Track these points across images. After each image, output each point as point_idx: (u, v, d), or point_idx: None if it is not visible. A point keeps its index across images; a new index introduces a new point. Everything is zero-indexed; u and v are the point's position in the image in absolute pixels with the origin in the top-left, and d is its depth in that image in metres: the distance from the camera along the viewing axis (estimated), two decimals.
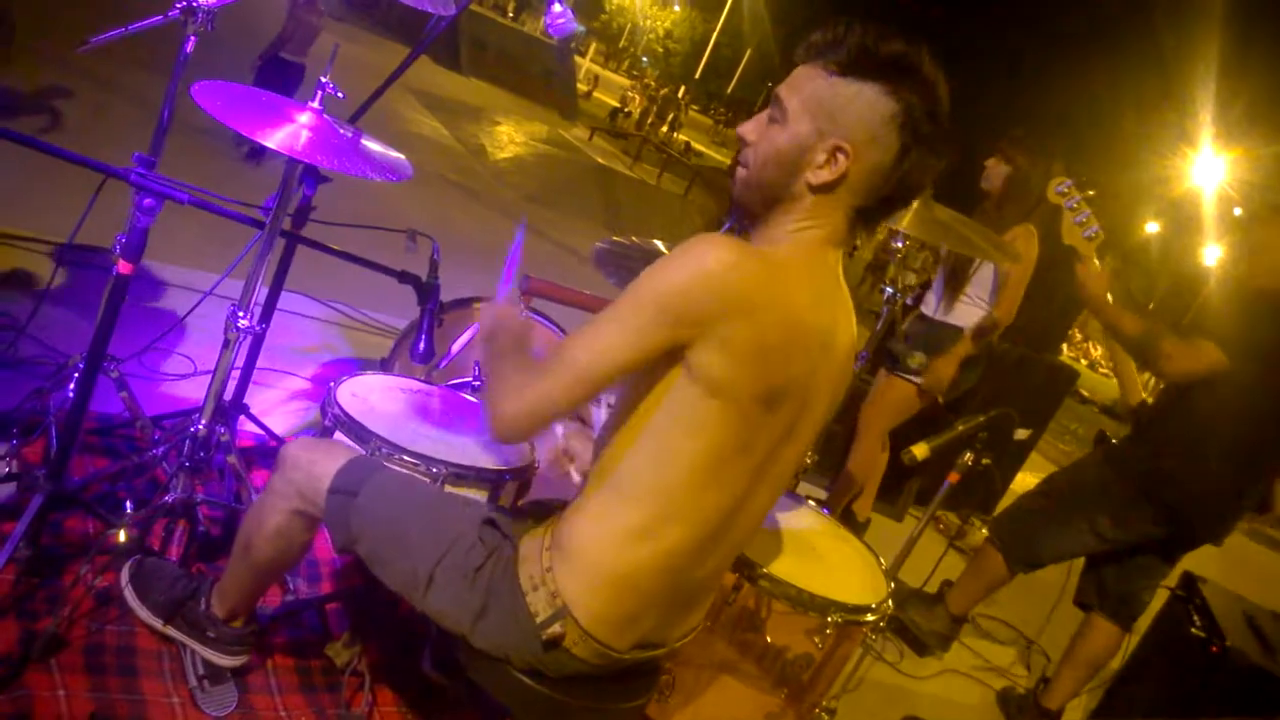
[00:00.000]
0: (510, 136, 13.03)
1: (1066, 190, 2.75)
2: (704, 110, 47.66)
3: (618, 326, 1.29)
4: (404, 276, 2.13)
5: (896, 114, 1.32)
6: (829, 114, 1.35)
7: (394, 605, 2.23)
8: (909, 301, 2.46)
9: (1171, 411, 2.87)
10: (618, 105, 25.37)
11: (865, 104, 1.33)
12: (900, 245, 2.44)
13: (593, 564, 1.41)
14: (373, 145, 2.06)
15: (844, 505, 3.91)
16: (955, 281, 3.60)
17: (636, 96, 26.95)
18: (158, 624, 1.88)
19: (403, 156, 2.11)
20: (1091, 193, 2.74)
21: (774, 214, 1.42)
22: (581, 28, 2.17)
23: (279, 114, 1.89)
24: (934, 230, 2.24)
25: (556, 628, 1.41)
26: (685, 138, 25.45)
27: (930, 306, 3.73)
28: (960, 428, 2.24)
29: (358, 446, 1.79)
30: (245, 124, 1.79)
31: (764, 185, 1.41)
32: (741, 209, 1.47)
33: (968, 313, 3.61)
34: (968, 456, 2.29)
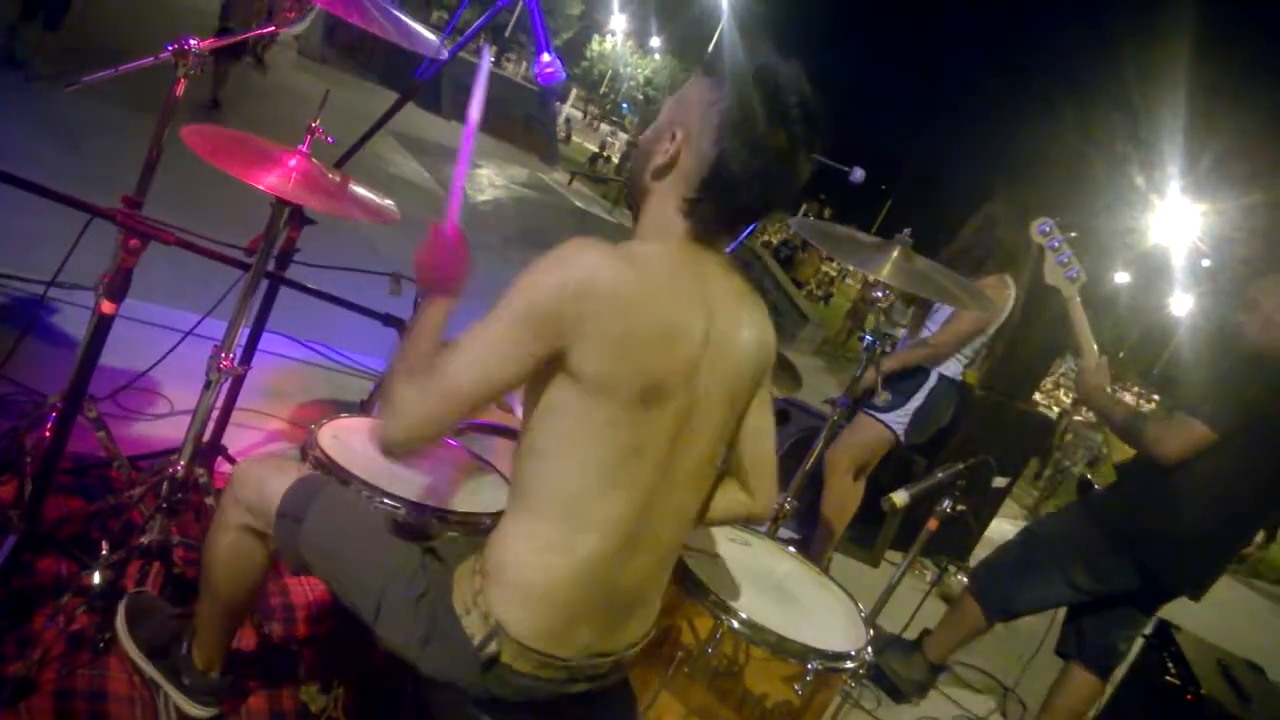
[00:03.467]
0: (490, 180, 13.11)
1: (1049, 230, 2.76)
2: None
3: (495, 347, 1.31)
4: (388, 319, 2.14)
5: (717, 101, 1.39)
6: (681, 106, 1.45)
7: (370, 649, 2.20)
8: (888, 350, 2.48)
9: (1154, 468, 2.82)
10: (597, 150, 25.62)
11: (700, 93, 1.42)
12: (881, 295, 2.47)
13: (516, 582, 1.42)
14: (359, 189, 2.08)
15: (827, 553, 3.91)
16: (918, 321, 3.70)
17: (616, 142, 27.24)
18: (144, 663, 1.84)
19: (389, 200, 2.13)
20: (1074, 234, 2.77)
21: (640, 211, 1.49)
22: (563, 76, 2.19)
23: (268, 157, 1.91)
24: (913, 280, 2.28)
25: (492, 646, 1.40)
26: None
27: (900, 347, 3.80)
28: (939, 475, 2.26)
29: None
30: (235, 166, 1.80)
31: (630, 178, 1.51)
32: (630, 213, 1.54)
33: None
34: (946, 504, 2.30)
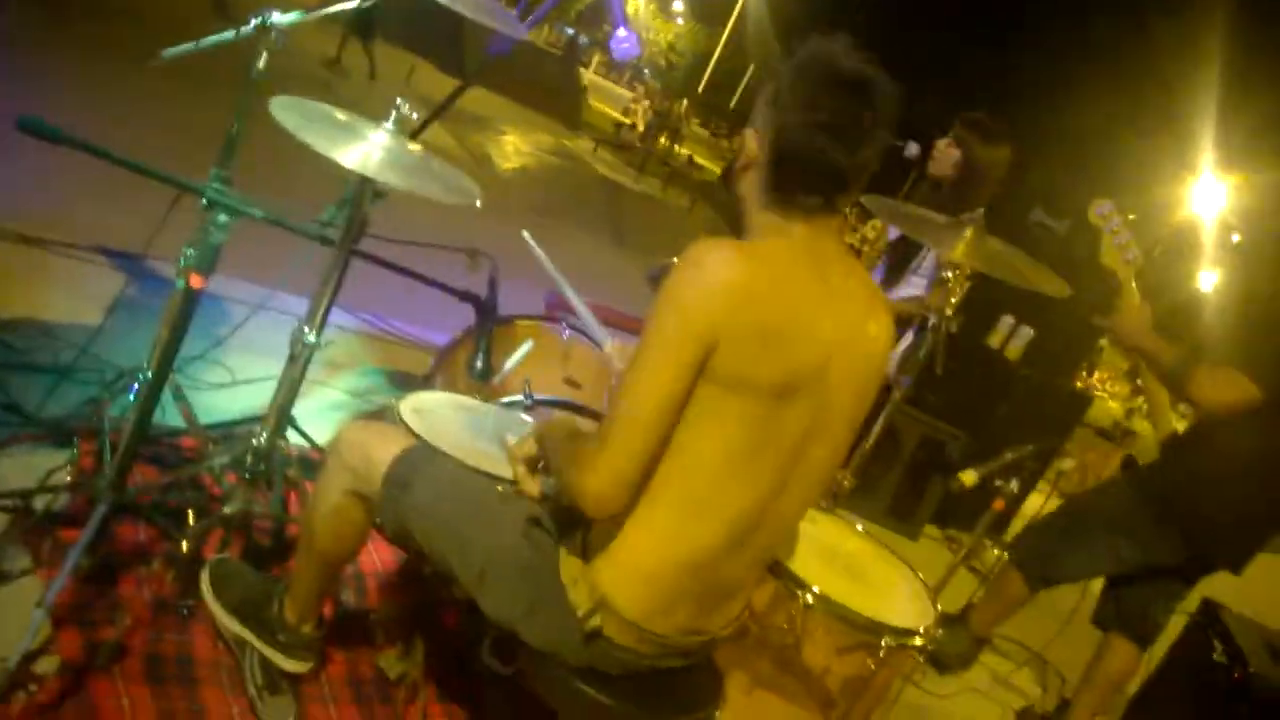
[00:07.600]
0: (516, 146, 13.02)
1: (1107, 213, 2.74)
2: (705, 124, 47.83)
3: (654, 363, 1.35)
4: (465, 296, 2.16)
5: (773, 91, 1.46)
6: (753, 114, 1.50)
7: (443, 616, 2.25)
8: (953, 330, 2.45)
9: (1200, 440, 2.89)
10: (620, 117, 25.38)
11: (762, 94, 1.49)
12: (949, 275, 2.45)
13: (626, 561, 1.48)
14: (438, 163, 2.09)
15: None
16: (899, 267, 3.52)
17: (639, 109, 26.97)
18: (233, 624, 1.89)
19: (470, 179, 2.13)
20: (1133, 216, 2.74)
21: (747, 218, 1.53)
22: (639, 51, 2.19)
23: (352, 133, 1.93)
24: (986, 260, 2.26)
25: (597, 619, 1.47)
26: (688, 151, 25.48)
27: None
28: (1009, 455, 2.27)
29: None
30: (321, 142, 1.81)
31: (735, 196, 1.55)
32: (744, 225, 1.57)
33: (905, 293, 3.54)
34: (1011, 484, 2.32)
